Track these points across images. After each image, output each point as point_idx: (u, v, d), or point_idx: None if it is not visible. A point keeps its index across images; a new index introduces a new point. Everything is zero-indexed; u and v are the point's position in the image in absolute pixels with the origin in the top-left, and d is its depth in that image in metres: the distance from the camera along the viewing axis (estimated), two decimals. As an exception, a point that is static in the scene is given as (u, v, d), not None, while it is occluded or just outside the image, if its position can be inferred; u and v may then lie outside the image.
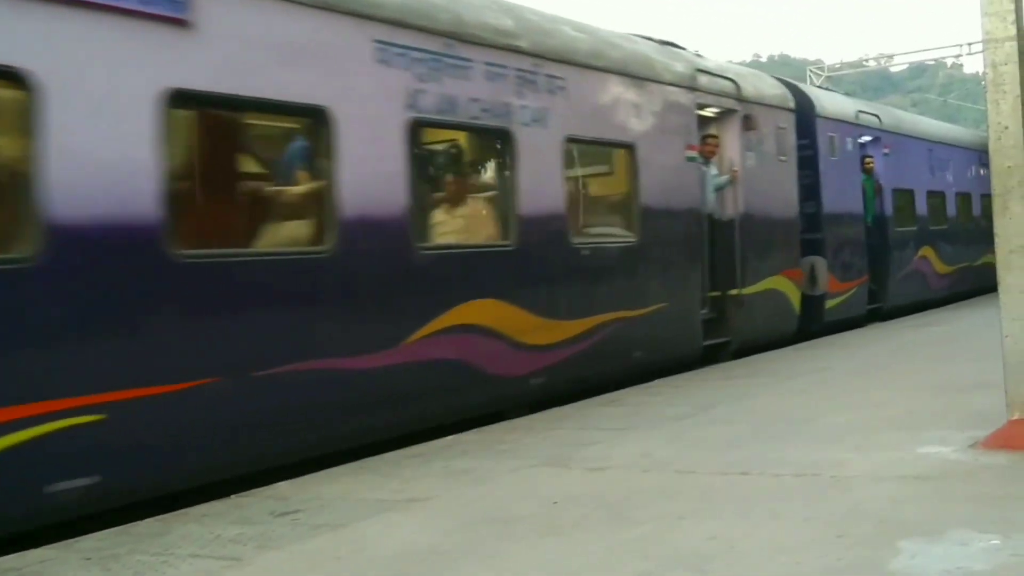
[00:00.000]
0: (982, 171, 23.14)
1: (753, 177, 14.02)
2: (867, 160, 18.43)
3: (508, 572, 4.91)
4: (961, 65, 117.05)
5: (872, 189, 18.46)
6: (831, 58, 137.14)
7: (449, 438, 8.43)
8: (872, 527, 5.21)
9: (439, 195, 9.77)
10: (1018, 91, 6.95)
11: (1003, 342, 6.95)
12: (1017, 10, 6.95)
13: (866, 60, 50.04)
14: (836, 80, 43.09)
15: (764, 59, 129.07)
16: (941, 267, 21.49)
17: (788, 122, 15.22)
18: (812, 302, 15.76)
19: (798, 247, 15.38)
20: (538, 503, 6.15)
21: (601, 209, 12.09)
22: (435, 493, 6.55)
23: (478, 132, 9.89)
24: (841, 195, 16.97)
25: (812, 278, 15.76)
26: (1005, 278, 6.97)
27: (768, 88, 15.10)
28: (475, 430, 8.76)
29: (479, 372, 9.27)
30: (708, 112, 13.50)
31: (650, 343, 11.63)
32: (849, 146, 17.44)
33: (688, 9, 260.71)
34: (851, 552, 4.82)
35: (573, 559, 5.02)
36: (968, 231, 23.03)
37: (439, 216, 9.54)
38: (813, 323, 15.70)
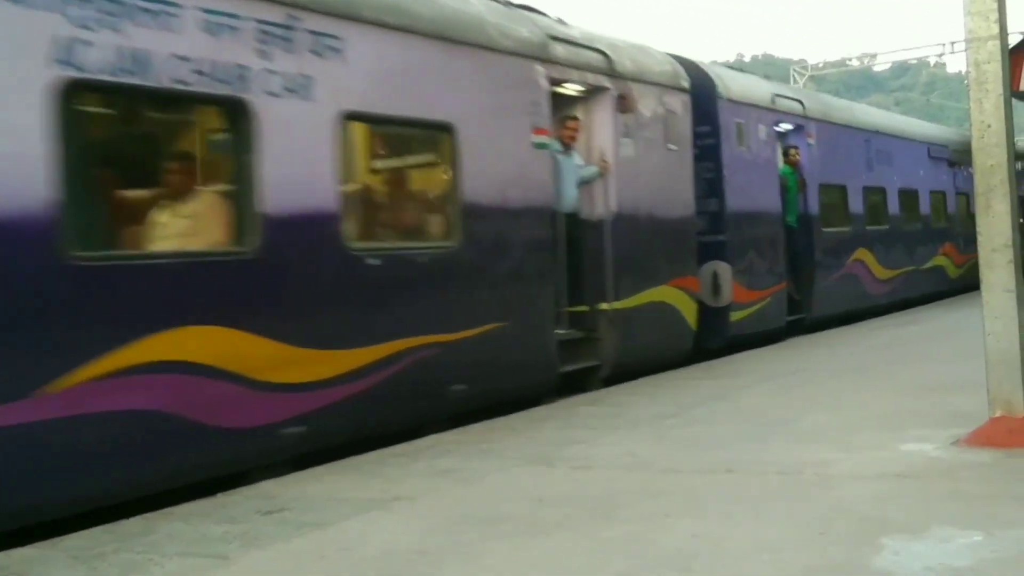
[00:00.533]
0: (931, 165, 22.20)
1: (631, 169, 11.74)
2: (791, 151, 16.27)
3: (493, 571, 4.92)
4: (944, 64, 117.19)
5: (796, 184, 16.20)
6: (814, 58, 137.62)
7: (432, 437, 8.42)
8: (855, 525, 5.24)
9: (153, 189, 7.50)
10: (1001, 90, 7.00)
11: (985, 340, 7.00)
12: (1000, 9, 7.00)
13: (849, 60, 50.34)
14: (819, 79, 43.31)
15: (748, 59, 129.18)
16: (880, 271, 19.29)
17: (681, 105, 12.88)
18: (714, 315, 13.59)
19: (694, 251, 13.17)
20: (522, 502, 6.16)
21: (404, 207, 9.63)
22: (420, 492, 6.55)
23: (193, 102, 7.49)
24: (751, 191, 14.60)
25: (715, 287, 13.63)
26: (988, 276, 7.02)
27: (653, 64, 12.70)
28: (458, 429, 8.74)
29: (190, 426, 6.87)
30: (569, 90, 11.26)
31: (477, 374, 9.33)
32: (763, 135, 15.13)
33: (671, 10, 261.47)
34: (834, 549, 4.85)
35: (558, 558, 5.03)
36: (914, 231, 21.14)
37: (161, 216, 7.33)
38: (715, 339, 13.62)
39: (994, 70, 7.00)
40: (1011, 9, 7.11)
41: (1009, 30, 7.18)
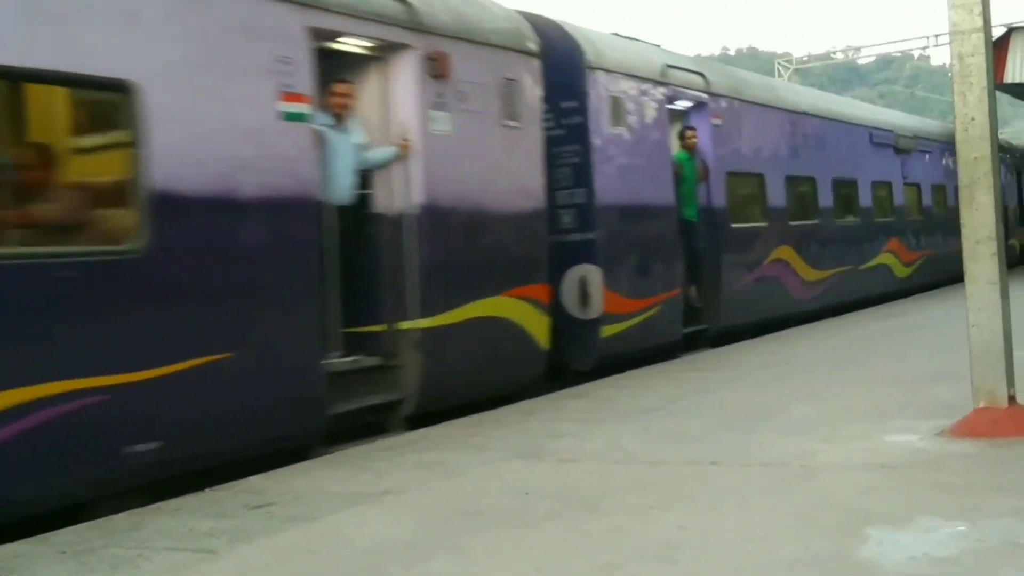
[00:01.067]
0: (874, 152, 20.07)
1: (447, 150, 9.38)
2: (688, 133, 13.77)
3: (480, 564, 4.93)
4: (928, 57, 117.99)
5: (694, 172, 13.74)
6: (799, 51, 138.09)
7: (420, 431, 8.44)
8: (840, 515, 5.27)
9: None
10: (984, 82, 7.03)
11: (969, 332, 7.04)
12: (984, 2, 7.03)
13: (833, 53, 50.45)
14: (804, 72, 43.32)
15: (733, 52, 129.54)
16: (808, 273, 16.80)
17: (526, 72, 10.49)
18: (579, 329, 11.43)
19: (545, 253, 10.72)
20: (510, 495, 6.19)
21: (34, 198, 6.66)
22: (408, 486, 6.57)
23: None
24: (632, 179, 12.22)
25: (583, 295, 11.45)
26: (972, 268, 7.06)
27: (485, 18, 10.22)
28: (445, 423, 8.76)
29: None
30: (348, 45, 8.90)
31: (181, 427, 6.92)
32: (651, 113, 12.77)
33: (656, 3, 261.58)
34: (819, 541, 4.88)
35: (545, 550, 5.05)
36: (852, 227, 18.81)
37: None
38: (581, 359, 11.53)
39: (978, 63, 7.03)
40: (995, 2, 7.14)
41: (993, 23, 7.22)
